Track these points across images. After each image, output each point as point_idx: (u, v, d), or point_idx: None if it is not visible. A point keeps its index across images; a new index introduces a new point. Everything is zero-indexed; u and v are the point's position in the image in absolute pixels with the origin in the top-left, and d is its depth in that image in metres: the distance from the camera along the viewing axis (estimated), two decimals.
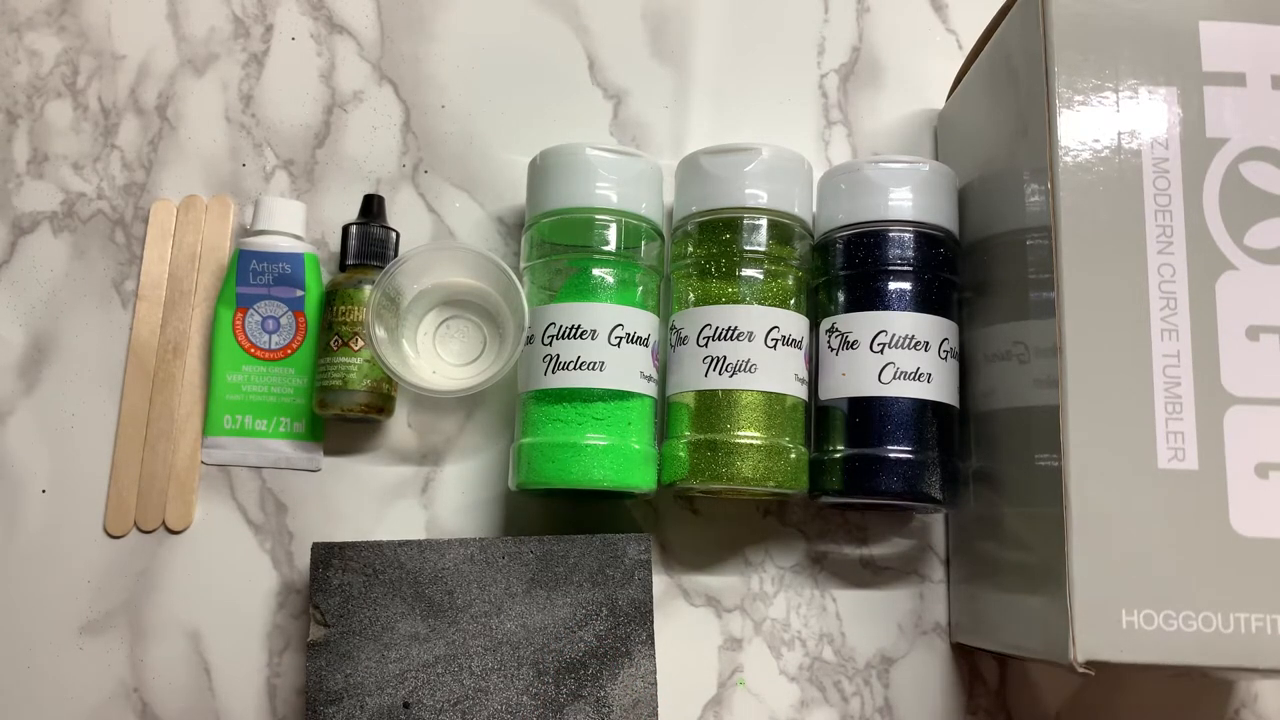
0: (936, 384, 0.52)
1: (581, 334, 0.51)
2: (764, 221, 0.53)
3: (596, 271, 0.53)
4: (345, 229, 0.57)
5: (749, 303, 0.52)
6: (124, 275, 0.59)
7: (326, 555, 0.51)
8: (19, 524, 0.56)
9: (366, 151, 0.61)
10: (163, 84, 0.61)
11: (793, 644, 0.56)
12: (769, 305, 0.52)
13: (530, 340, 0.53)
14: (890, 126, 0.62)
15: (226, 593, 0.56)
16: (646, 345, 0.53)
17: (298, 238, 0.58)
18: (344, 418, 0.56)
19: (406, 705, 0.50)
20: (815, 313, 0.55)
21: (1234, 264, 0.44)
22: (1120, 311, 0.44)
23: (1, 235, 0.59)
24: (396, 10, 0.62)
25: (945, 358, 0.52)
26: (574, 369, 0.51)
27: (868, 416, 0.52)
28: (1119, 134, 0.45)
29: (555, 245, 0.53)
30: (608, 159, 0.53)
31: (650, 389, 0.53)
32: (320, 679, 0.50)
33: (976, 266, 0.54)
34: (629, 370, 0.52)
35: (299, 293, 0.57)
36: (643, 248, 0.54)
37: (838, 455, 0.52)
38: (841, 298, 0.54)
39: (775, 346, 0.52)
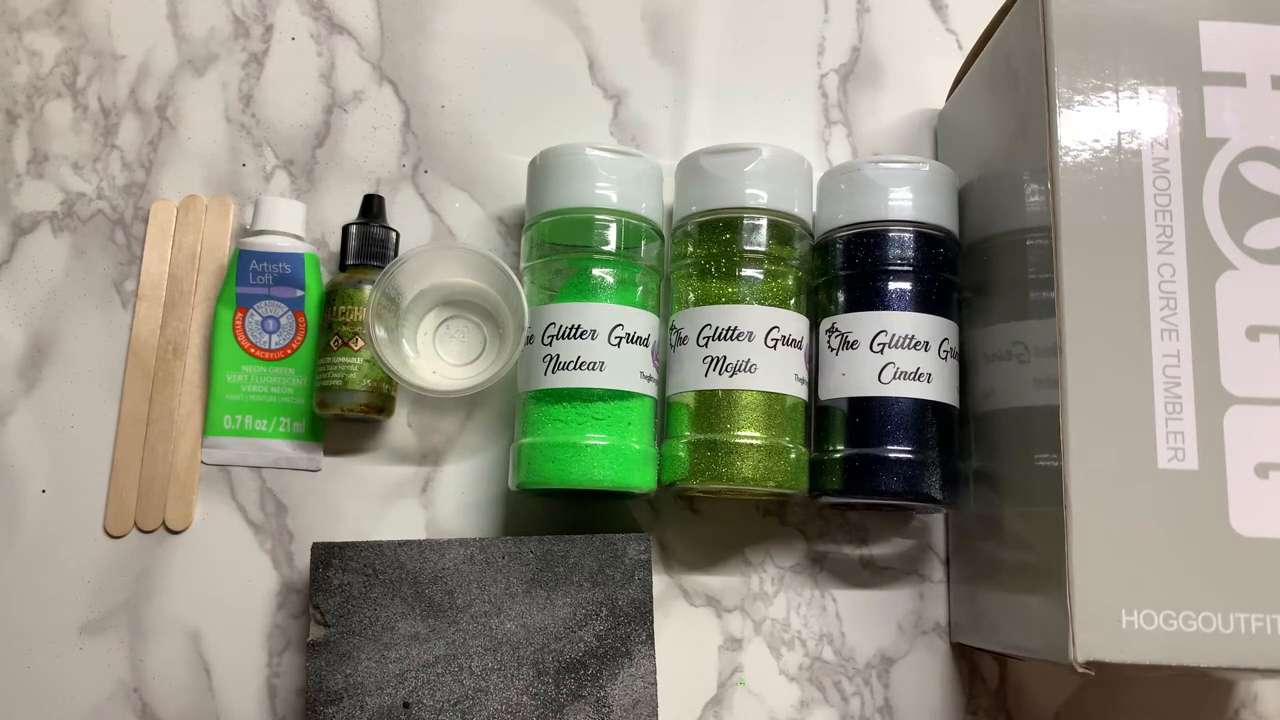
0: (936, 384, 0.52)
1: (581, 334, 0.51)
2: (764, 221, 0.53)
3: (596, 271, 0.53)
4: (345, 229, 0.57)
5: (749, 303, 0.52)
6: (124, 275, 0.59)
7: (326, 555, 0.51)
8: (19, 524, 0.56)
9: (366, 151, 0.61)
10: (163, 84, 0.61)
11: (793, 644, 0.56)
12: (769, 305, 0.52)
13: (530, 340, 0.53)
14: (890, 126, 0.62)
15: (226, 593, 0.56)
16: (646, 345, 0.53)
17: (298, 238, 0.58)
18: (344, 418, 0.56)
19: (406, 705, 0.50)
20: (815, 313, 0.55)
21: (1234, 264, 0.44)
22: (1120, 311, 0.44)
23: (1, 235, 0.59)
24: (396, 10, 0.62)
25: (945, 358, 0.52)
26: (574, 369, 0.51)
27: (868, 416, 0.52)
28: (1119, 134, 0.45)
29: (555, 245, 0.53)
30: (608, 159, 0.53)
31: (650, 389, 0.53)
32: (320, 679, 0.50)
33: (976, 266, 0.54)
34: (629, 370, 0.52)
35: (299, 293, 0.57)
36: (643, 248, 0.54)
37: (838, 455, 0.52)
38: (841, 298, 0.54)
39: (775, 346, 0.52)
